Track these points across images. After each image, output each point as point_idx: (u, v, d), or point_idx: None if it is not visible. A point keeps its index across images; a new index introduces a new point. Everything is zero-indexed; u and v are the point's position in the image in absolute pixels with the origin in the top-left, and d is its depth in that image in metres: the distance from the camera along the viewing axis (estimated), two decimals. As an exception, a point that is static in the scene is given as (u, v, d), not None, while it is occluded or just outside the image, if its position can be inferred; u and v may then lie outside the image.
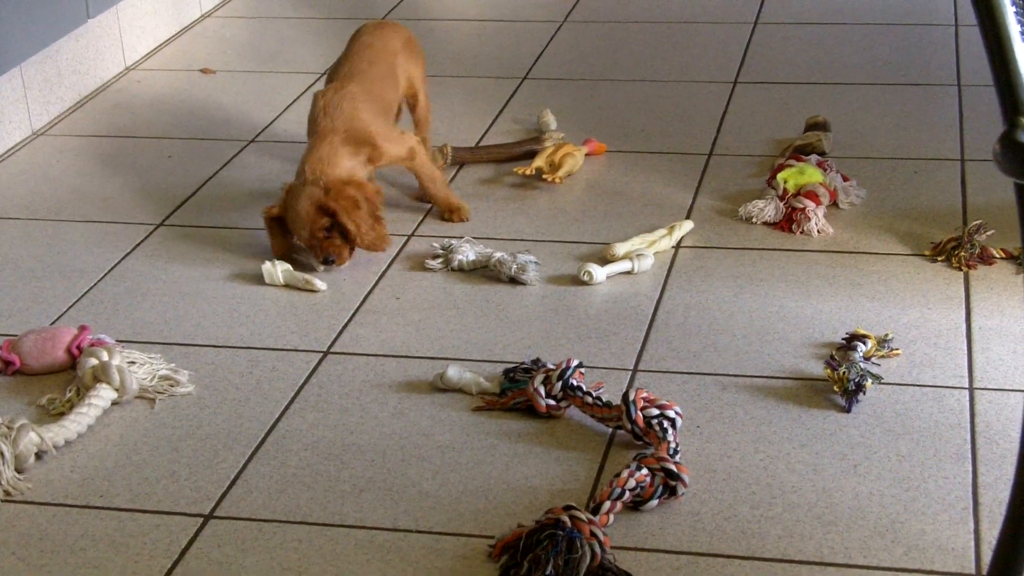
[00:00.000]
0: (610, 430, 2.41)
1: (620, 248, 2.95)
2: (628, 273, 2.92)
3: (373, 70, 3.17)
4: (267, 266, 2.92)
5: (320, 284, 2.89)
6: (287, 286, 2.92)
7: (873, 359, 2.56)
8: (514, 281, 2.90)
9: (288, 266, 2.94)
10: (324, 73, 4.05)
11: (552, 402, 2.43)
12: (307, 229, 2.91)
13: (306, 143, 3.06)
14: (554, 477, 2.30)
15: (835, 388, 2.46)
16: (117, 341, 2.68)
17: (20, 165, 3.57)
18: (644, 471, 2.20)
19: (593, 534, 2.07)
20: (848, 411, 2.43)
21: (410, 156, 3.12)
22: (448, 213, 3.16)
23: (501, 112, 3.77)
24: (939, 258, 2.92)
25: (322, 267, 2.95)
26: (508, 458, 2.35)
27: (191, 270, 3.01)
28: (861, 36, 4.20)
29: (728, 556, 2.10)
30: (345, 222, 2.89)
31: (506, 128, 3.67)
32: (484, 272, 2.94)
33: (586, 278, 2.88)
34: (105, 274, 3.01)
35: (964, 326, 2.68)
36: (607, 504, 2.16)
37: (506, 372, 2.54)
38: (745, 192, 3.24)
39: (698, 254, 2.99)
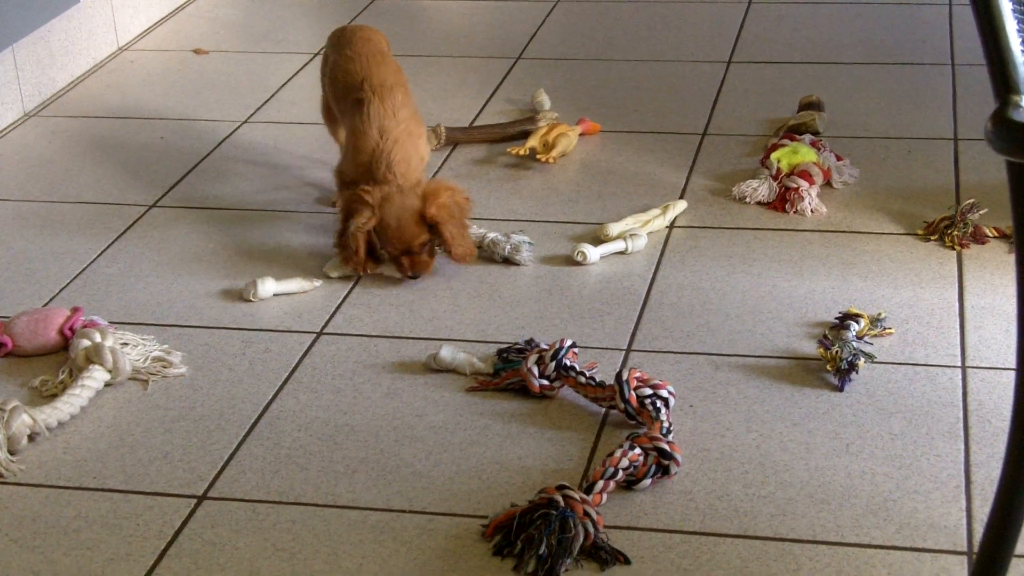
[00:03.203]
0: (603, 410, 2.41)
1: (614, 228, 2.95)
2: (622, 253, 2.92)
3: (390, 61, 3.03)
4: (257, 287, 2.80)
5: (316, 282, 2.84)
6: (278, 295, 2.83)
7: (866, 338, 2.56)
8: (508, 261, 2.90)
9: (272, 282, 2.82)
10: (316, 54, 4.04)
11: (545, 382, 2.43)
12: (406, 243, 2.79)
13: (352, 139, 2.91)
14: (547, 457, 2.30)
15: (828, 367, 2.47)
16: (110, 322, 2.68)
17: (12, 147, 3.56)
18: (637, 450, 2.20)
19: (586, 513, 2.08)
20: (841, 390, 2.43)
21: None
22: None
23: (495, 92, 3.77)
24: (932, 237, 2.92)
25: (408, 279, 2.83)
26: (501, 438, 2.35)
27: (184, 251, 3.01)
28: (855, 15, 4.19)
29: (721, 535, 2.10)
30: (445, 232, 2.77)
31: (500, 108, 3.66)
32: (477, 252, 2.94)
33: (580, 258, 2.88)
34: (98, 255, 3.00)
35: (957, 305, 2.68)
36: (600, 483, 2.16)
37: (499, 352, 2.54)
38: (739, 172, 3.23)
39: (692, 234, 2.99)
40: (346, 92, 2.97)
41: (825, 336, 2.56)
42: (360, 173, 2.87)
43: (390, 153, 2.85)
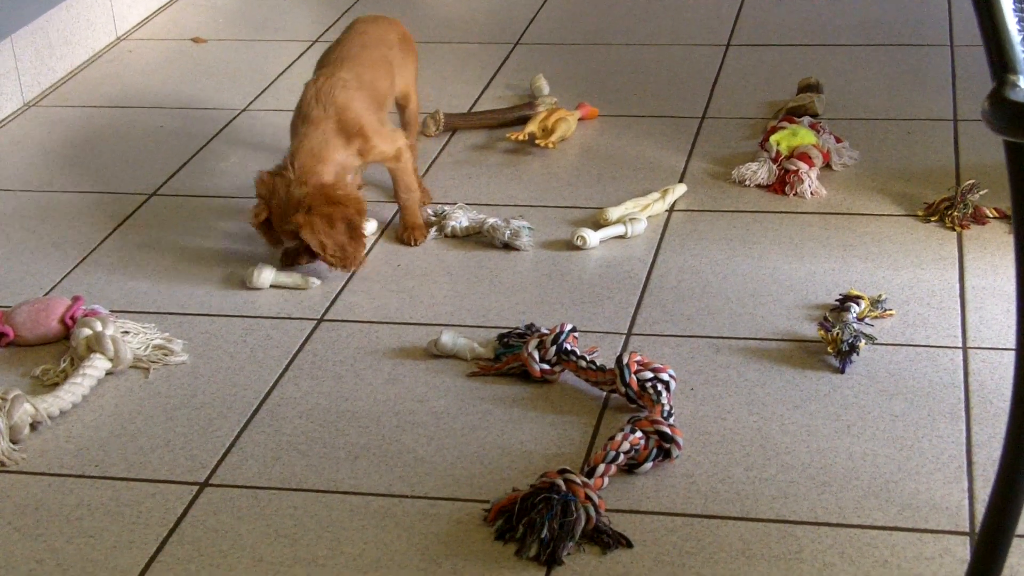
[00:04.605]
0: (604, 394, 2.41)
1: (613, 212, 2.95)
2: (621, 237, 2.92)
3: (365, 55, 2.99)
4: (255, 275, 2.81)
5: (314, 281, 2.81)
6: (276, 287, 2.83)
7: (866, 320, 2.56)
8: (507, 247, 2.90)
9: (271, 271, 2.82)
10: (315, 42, 4.05)
11: (546, 367, 2.43)
12: (282, 231, 2.78)
13: (290, 130, 2.91)
14: (549, 441, 2.30)
15: (829, 349, 2.47)
16: (111, 311, 2.69)
17: (12, 137, 3.56)
18: (638, 434, 2.20)
19: (588, 497, 2.08)
20: (842, 372, 2.44)
21: (396, 156, 2.91)
22: (407, 230, 2.95)
23: (493, 78, 3.76)
24: (932, 218, 2.92)
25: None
26: (503, 423, 2.35)
27: (184, 239, 3.01)
28: (854, -3, 4.19)
29: (722, 517, 2.11)
30: (310, 242, 2.72)
31: (498, 94, 3.66)
32: (477, 238, 2.94)
33: (579, 243, 2.88)
34: (98, 244, 3.01)
35: (957, 286, 2.68)
36: (602, 467, 2.16)
37: (500, 337, 2.54)
38: (738, 155, 3.23)
39: (691, 217, 2.99)
40: None
41: (826, 318, 2.56)
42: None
43: (300, 142, 2.81)
